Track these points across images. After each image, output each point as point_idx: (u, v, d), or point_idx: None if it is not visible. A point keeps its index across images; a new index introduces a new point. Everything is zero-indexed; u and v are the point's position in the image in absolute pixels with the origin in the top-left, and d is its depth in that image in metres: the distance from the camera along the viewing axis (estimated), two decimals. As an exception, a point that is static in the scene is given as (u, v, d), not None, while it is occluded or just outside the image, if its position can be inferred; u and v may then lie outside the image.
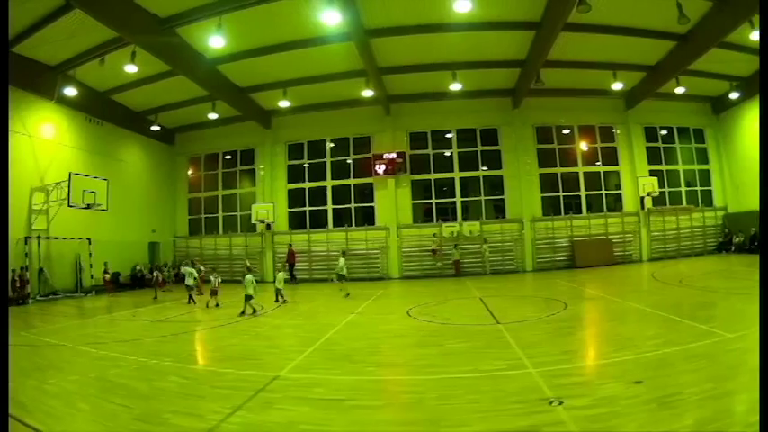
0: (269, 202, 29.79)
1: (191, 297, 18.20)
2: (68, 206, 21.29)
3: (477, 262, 27.89)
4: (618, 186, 29.77)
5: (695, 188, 30.44)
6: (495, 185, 29.73)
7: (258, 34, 20.66)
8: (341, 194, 30.36)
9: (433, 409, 5.85)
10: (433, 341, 10.02)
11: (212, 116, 27.84)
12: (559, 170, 29.51)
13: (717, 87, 27.99)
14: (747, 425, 4.49)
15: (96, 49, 20.25)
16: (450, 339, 9.99)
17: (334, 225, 29.95)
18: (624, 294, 15.57)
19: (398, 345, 10.38)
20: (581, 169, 29.59)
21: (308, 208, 30.64)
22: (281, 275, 18.28)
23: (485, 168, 29.66)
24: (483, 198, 29.53)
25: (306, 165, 30.99)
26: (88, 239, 24.17)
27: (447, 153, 30.10)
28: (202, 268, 20.18)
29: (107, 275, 23.83)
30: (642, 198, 28.27)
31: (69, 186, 21.05)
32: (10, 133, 20.20)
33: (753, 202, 25.01)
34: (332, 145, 30.87)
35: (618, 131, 29.87)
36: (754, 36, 19.12)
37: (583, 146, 29.84)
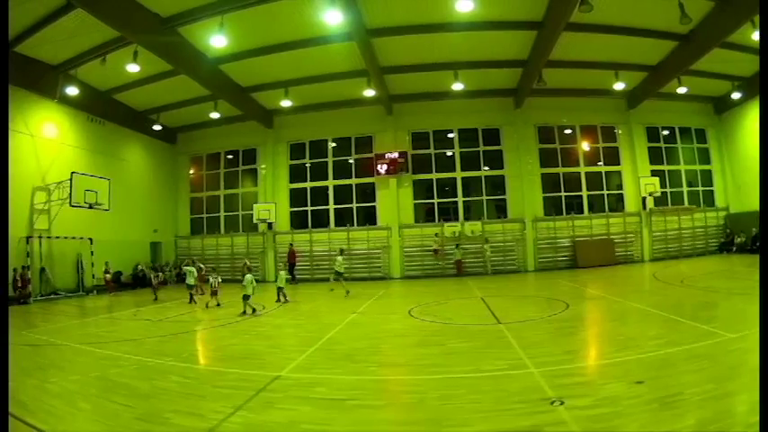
0: (271, 201, 29.80)
1: (192, 296, 18.22)
2: (70, 206, 21.31)
3: (478, 262, 27.90)
4: (620, 186, 29.74)
5: (697, 188, 30.40)
6: (497, 185, 29.70)
7: (260, 34, 20.66)
8: (343, 194, 30.37)
9: (434, 409, 5.84)
10: (434, 341, 10.02)
11: (214, 116, 27.87)
12: (561, 170, 29.50)
13: (719, 87, 27.95)
14: (748, 425, 4.48)
15: (98, 49, 20.24)
16: (452, 339, 9.98)
17: (336, 225, 29.96)
18: (626, 294, 15.55)
19: (400, 344, 10.38)
20: (583, 169, 29.57)
21: (309, 207, 30.66)
22: (283, 274, 18.29)
23: (486, 168, 29.67)
24: (485, 198, 29.52)
25: (308, 164, 31.00)
26: (90, 239, 24.18)
27: (449, 153, 30.10)
28: (202, 266, 20.15)
29: (108, 275, 23.82)
30: (644, 198, 28.23)
31: (71, 186, 21.07)
32: (12, 133, 20.24)
33: (755, 203, 24.97)
34: (334, 145, 30.88)
35: (620, 131, 29.85)
36: (756, 36, 19.09)
37: (585, 146, 29.84)
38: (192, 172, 33.10)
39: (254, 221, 29.45)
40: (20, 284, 19.99)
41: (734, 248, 27.97)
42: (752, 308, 9.98)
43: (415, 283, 25.35)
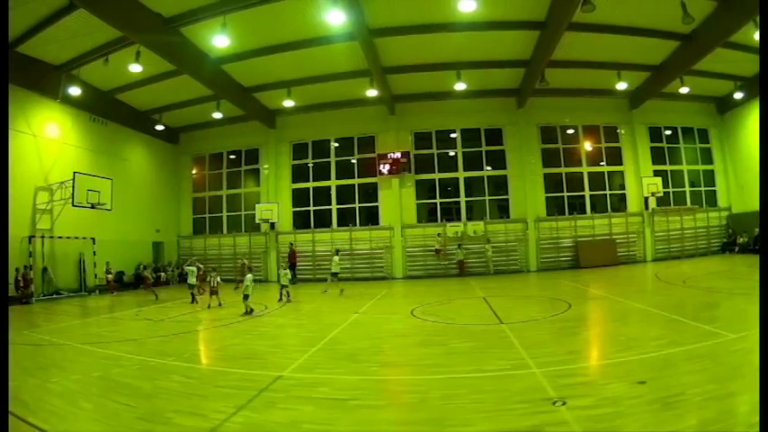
0: (273, 201, 29.82)
1: (193, 296, 18.25)
2: (72, 205, 21.34)
3: (481, 262, 27.88)
4: (622, 186, 29.68)
5: (699, 188, 30.34)
6: (500, 185, 29.66)
7: (263, 34, 20.68)
8: (345, 194, 30.36)
9: (436, 409, 5.85)
10: (436, 341, 10.02)
11: (217, 116, 27.88)
12: (564, 170, 29.46)
13: (721, 87, 27.88)
14: (750, 425, 4.48)
15: (100, 49, 20.27)
16: (454, 339, 9.98)
17: (339, 225, 29.95)
18: (628, 295, 15.51)
19: (402, 344, 10.39)
20: (585, 169, 29.53)
21: (312, 207, 30.67)
22: (287, 273, 18.30)
23: (489, 168, 29.64)
24: (487, 198, 29.49)
25: (310, 164, 31.00)
26: (92, 239, 24.22)
27: (451, 153, 30.08)
28: (201, 266, 20.14)
29: (109, 275, 23.87)
30: (646, 198, 28.18)
31: (74, 186, 21.11)
32: (14, 133, 20.31)
33: (757, 203, 24.91)
34: (336, 145, 30.86)
35: (622, 131, 29.80)
36: (759, 36, 19.06)
37: (587, 146, 29.79)
38: (194, 172, 33.12)
39: (257, 221, 29.44)
40: (22, 284, 20.01)
41: (736, 249, 27.91)
42: (754, 308, 9.95)
43: (418, 283, 25.33)
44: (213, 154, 32.67)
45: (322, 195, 30.71)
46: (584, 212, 28.95)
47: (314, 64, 23.40)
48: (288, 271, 18.66)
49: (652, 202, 28.47)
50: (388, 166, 28.85)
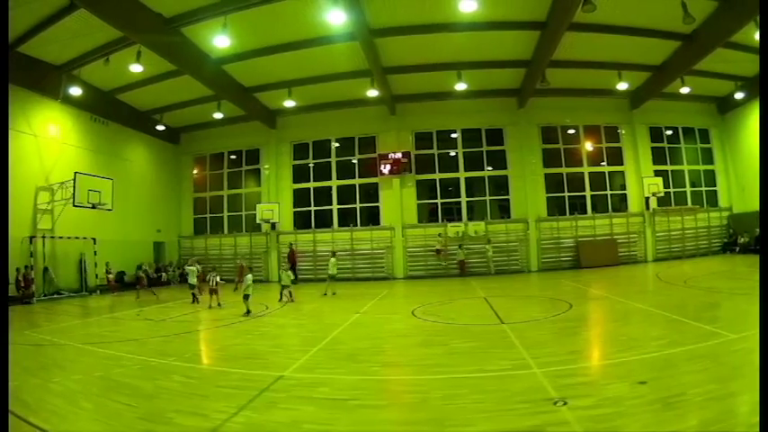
0: (274, 201, 29.85)
1: (194, 296, 18.25)
2: (73, 206, 21.37)
3: (482, 262, 27.86)
4: (623, 186, 29.68)
5: (700, 188, 30.34)
6: (501, 185, 29.66)
7: (263, 34, 20.68)
8: (346, 194, 30.38)
9: (437, 409, 5.85)
10: (437, 341, 10.02)
11: (217, 116, 27.91)
12: (564, 170, 29.45)
13: (722, 87, 27.87)
14: (751, 426, 4.47)
15: (101, 49, 20.30)
16: (455, 339, 9.98)
17: (340, 225, 29.96)
18: (629, 295, 15.50)
19: (403, 344, 10.38)
20: (586, 169, 29.53)
21: (313, 208, 30.68)
22: (289, 274, 18.30)
23: (490, 168, 29.63)
24: (488, 198, 29.50)
25: (311, 164, 31.01)
26: (93, 239, 24.24)
27: (452, 153, 30.07)
28: (199, 267, 20.13)
29: (110, 275, 23.88)
30: (647, 198, 28.19)
31: (74, 186, 21.12)
32: (15, 133, 20.33)
33: (758, 203, 24.88)
34: (337, 145, 30.86)
35: (623, 131, 29.79)
36: (759, 36, 19.04)
37: (588, 146, 29.78)
38: (195, 172, 33.13)
39: (258, 221, 29.47)
40: (23, 284, 20.03)
41: (737, 249, 27.90)
42: (755, 308, 9.92)
43: (419, 283, 25.34)
44: (214, 154, 32.68)
45: (323, 195, 30.71)
46: (585, 212, 28.95)
47: (315, 64, 23.41)
48: (290, 272, 18.65)
49: (653, 203, 28.46)
50: (388, 167, 28.84)
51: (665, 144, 30.16)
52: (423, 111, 29.12)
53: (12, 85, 19.41)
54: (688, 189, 30.09)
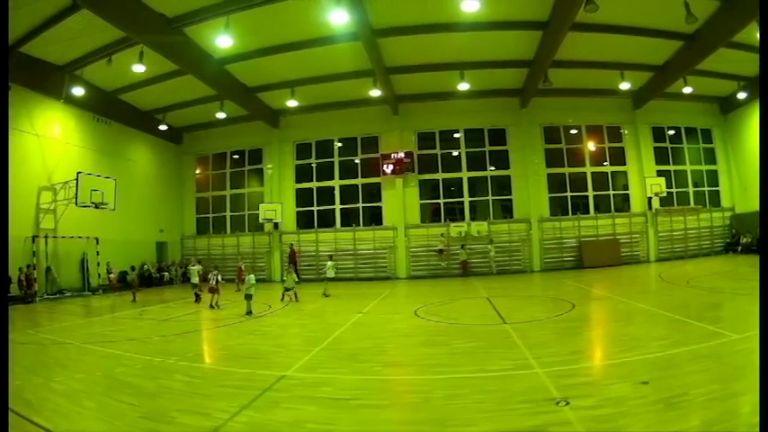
0: (277, 201, 29.88)
1: (197, 296, 18.26)
2: (76, 205, 21.44)
3: (484, 262, 27.83)
4: (625, 186, 29.65)
5: (703, 188, 30.29)
6: (503, 185, 29.67)
7: (266, 34, 20.69)
8: (349, 194, 30.40)
9: (439, 409, 5.85)
10: (439, 341, 10.02)
11: (220, 116, 27.94)
12: (567, 170, 29.42)
13: (724, 87, 27.82)
14: (753, 426, 4.46)
15: (104, 49, 20.33)
16: (457, 339, 9.97)
17: (342, 225, 29.98)
18: (631, 295, 15.47)
19: (405, 344, 10.37)
20: (589, 169, 29.49)
21: (315, 207, 30.68)
22: (293, 276, 18.29)
23: (492, 168, 29.61)
24: (491, 198, 29.51)
25: (314, 164, 31.02)
26: (96, 239, 24.28)
27: (455, 153, 30.09)
28: (200, 266, 20.15)
29: (112, 275, 23.91)
30: (650, 198, 28.18)
31: (77, 186, 21.19)
32: (18, 133, 20.38)
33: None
34: (340, 145, 30.89)
35: (625, 131, 29.75)
36: (759, 36, 19.00)
37: (590, 146, 29.75)
38: (197, 172, 33.15)
39: (260, 221, 29.48)
40: (26, 284, 20.08)
41: (739, 249, 27.85)
42: (757, 308, 9.86)
43: (421, 283, 25.34)
44: (216, 154, 32.70)
45: (325, 195, 30.73)
46: (588, 212, 28.94)
47: (317, 64, 23.43)
48: (294, 274, 18.63)
49: (655, 203, 28.43)
50: (391, 166, 28.85)
51: (667, 144, 30.12)
52: (425, 111, 29.10)
53: (14, 85, 19.49)
54: (691, 189, 30.04)
